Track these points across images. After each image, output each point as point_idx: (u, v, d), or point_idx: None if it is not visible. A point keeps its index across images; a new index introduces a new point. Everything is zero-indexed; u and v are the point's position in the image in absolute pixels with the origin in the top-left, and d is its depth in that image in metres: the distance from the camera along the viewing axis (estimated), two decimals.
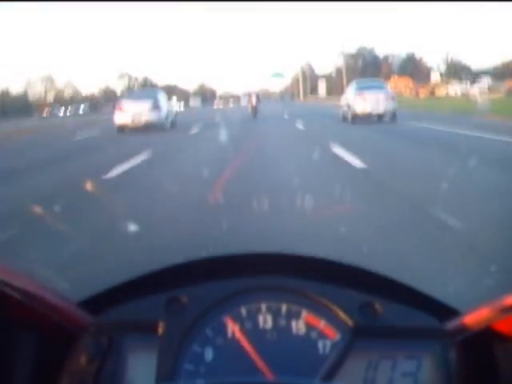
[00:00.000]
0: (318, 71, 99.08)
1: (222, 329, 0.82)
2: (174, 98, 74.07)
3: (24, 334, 0.77)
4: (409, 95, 60.65)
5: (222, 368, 0.80)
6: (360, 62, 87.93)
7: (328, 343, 0.81)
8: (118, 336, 0.83)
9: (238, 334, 0.82)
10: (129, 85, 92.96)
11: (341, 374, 0.79)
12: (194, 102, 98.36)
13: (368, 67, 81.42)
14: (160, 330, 0.82)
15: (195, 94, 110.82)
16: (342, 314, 0.82)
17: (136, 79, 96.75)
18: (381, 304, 0.84)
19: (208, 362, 0.80)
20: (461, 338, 0.79)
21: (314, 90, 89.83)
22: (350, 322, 0.82)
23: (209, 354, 0.81)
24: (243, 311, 0.84)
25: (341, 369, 0.79)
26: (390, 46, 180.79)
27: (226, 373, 0.79)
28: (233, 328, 0.82)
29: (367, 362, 0.80)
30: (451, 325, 0.81)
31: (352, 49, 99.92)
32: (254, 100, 22.73)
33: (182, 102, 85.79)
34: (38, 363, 0.78)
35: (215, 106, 79.67)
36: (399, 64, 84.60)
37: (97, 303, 0.86)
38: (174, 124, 19.46)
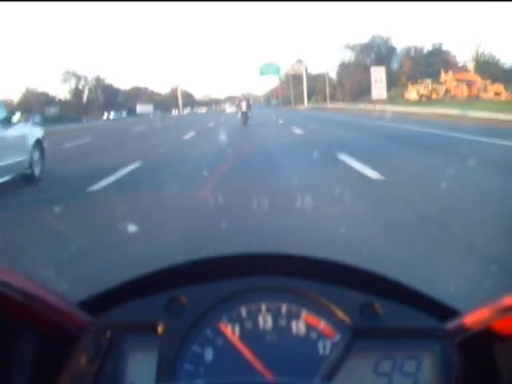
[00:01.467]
0: (312, 70, 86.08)
1: (222, 329, 0.82)
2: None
3: (24, 335, 0.77)
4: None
5: (221, 369, 0.80)
6: (373, 55, 69.21)
7: (328, 343, 0.81)
8: (117, 336, 0.83)
9: (238, 335, 0.82)
10: (76, 87, 79.23)
11: (341, 374, 0.79)
12: (143, 109, 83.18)
13: (382, 60, 60.46)
14: (160, 331, 0.82)
15: (159, 99, 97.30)
16: (341, 315, 0.83)
17: (86, 79, 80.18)
18: (381, 304, 0.84)
19: (208, 363, 0.80)
20: (461, 338, 0.79)
21: (311, 93, 76.46)
22: (349, 323, 0.82)
23: (209, 355, 0.81)
24: (243, 312, 0.84)
25: (341, 369, 0.79)
26: (407, 34, 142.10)
27: (225, 373, 0.79)
28: (233, 328, 0.82)
29: (367, 362, 0.80)
30: (451, 325, 0.82)
31: (359, 39, 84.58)
32: (244, 106, 22.40)
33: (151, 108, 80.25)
34: (38, 364, 0.77)
35: (182, 112, 74.43)
36: (424, 58, 64.36)
37: (96, 304, 0.86)
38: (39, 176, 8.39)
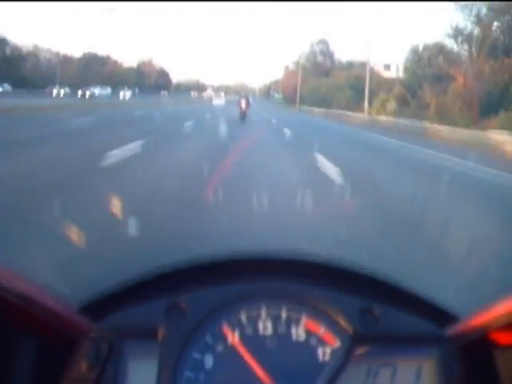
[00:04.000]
0: (340, 56, 61.72)
1: (222, 335, 0.82)
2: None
3: (24, 340, 0.77)
4: None
5: (221, 375, 0.80)
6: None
7: (328, 350, 0.81)
8: (118, 342, 0.83)
9: (238, 341, 0.82)
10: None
11: (341, 380, 0.79)
12: (101, 90, 54.94)
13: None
14: (160, 337, 0.82)
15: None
16: (341, 321, 0.83)
17: None
18: (380, 310, 0.84)
19: (208, 369, 0.80)
20: (461, 344, 0.79)
21: (359, 96, 39.23)
22: (349, 329, 0.82)
23: (209, 361, 0.81)
24: (243, 317, 0.84)
25: (341, 376, 0.79)
26: None
27: (226, 380, 0.79)
28: (233, 334, 0.82)
29: (367, 368, 0.80)
30: (451, 330, 0.82)
31: None
32: (243, 104, 23.35)
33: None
34: (38, 369, 0.77)
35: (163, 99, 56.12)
36: None
37: (97, 308, 0.86)
38: None
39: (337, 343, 0.81)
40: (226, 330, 0.83)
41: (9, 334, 0.75)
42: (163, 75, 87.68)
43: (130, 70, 79.64)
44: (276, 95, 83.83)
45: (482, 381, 0.78)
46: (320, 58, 67.58)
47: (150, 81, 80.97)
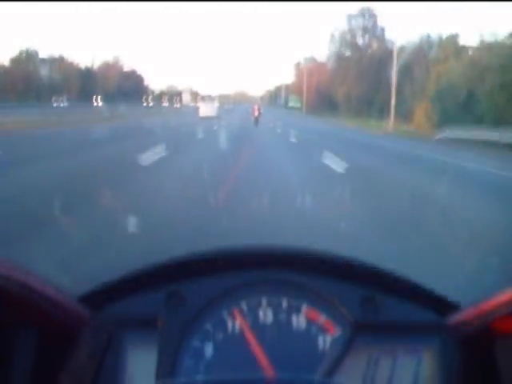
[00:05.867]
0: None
1: (222, 323, 0.82)
2: None
3: (24, 329, 0.77)
4: None
5: (221, 363, 0.80)
6: None
7: (328, 338, 0.81)
8: (117, 331, 0.83)
9: (238, 329, 0.82)
10: None
11: (341, 369, 0.79)
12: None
13: None
14: (160, 325, 0.82)
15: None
16: (342, 309, 0.82)
17: None
18: (381, 299, 0.84)
19: (208, 357, 0.80)
20: (461, 333, 0.79)
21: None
22: (350, 317, 0.82)
23: (209, 349, 0.81)
24: (243, 306, 0.84)
25: (341, 364, 0.79)
26: None
27: (226, 368, 0.79)
28: (233, 323, 0.82)
29: (368, 356, 0.80)
30: (452, 319, 0.81)
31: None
32: (256, 111, 28.49)
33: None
34: (38, 358, 0.77)
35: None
36: None
37: (97, 298, 0.86)
38: None
39: (338, 332, 0.81)
40: (226, 318, 0.83)
41: (9, 323, 0.75)
42: (132, 80, 70.17)
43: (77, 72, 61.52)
44: (291, 102, 60.06)
45: (483, 369, 0.78)
46: (362, 41, 42.87)
47: (109, 86, 63.89)
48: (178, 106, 74.56)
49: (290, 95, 61.09)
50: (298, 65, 63.63)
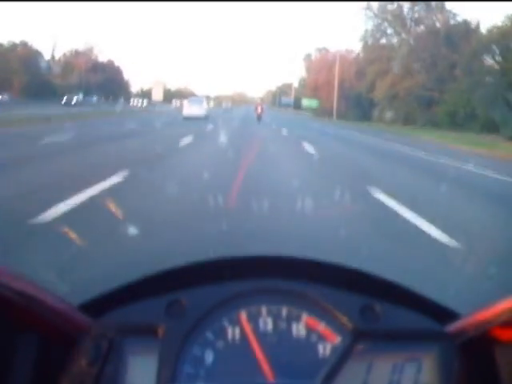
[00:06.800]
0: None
1: (223, 332, 0.82)
2: None
3: (24, 338, 0.77)
4: None
5: (222, 371, 0.80)
6: None
7: (328, 346, 0.81)
8: (118, 339, 0.83)
9: (239, 337, 0.82)
10: None
11: (341, 376, 0.79)
12: None
13: None
14: (160, 333, 0.82)
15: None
16: (342, 317, 0.83)
17: None
18: (381, 307, 0.84)
19: (208, 366, 0.80)
20: (461, 341, 0.79)
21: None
22: (350, 325, 0.82)
23: (209, 358, 0.81)
24: (243, 314, 0.84)
25: (341, 372, 0.79)
26: None
27: (226, 376, 0.79)
28: (233, 331, 0.82)
29: (367, 365, 0.80)
30: (451, 327, 0.82)
31: None
32: (259, 110, 31.75)
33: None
34: (38, 367, 0.78)
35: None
36: None
37: (97, 306, 0.86)
38: None
39: (337, 340, 0.82)
40: (227, 326, 0.83)
41: (9, 331, 0.75)
42: (107, 73, 56.99)
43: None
44: (306, 101, 47.64)
45: (482, 377, 0.78)
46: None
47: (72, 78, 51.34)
48: (143, 105, 58.24)
49: (304, 96, 49.90)
50: (308, 57, 51.80)
